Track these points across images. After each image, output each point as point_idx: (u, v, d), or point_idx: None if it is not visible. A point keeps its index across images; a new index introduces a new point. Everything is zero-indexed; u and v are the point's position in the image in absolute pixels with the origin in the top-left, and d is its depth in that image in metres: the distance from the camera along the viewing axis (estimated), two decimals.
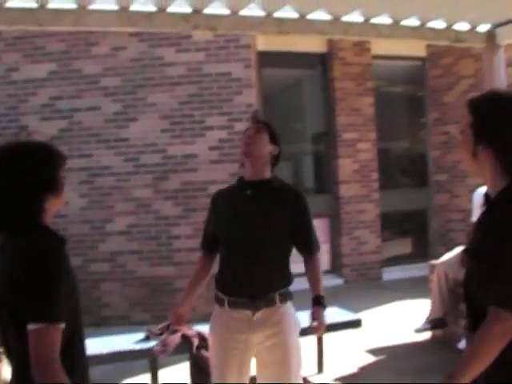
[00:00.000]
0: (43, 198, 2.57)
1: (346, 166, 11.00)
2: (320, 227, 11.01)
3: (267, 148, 3.84)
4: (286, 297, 3.81)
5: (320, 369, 6.45)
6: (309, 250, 3.93)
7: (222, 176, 8.70)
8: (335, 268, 11.10)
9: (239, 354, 3.74)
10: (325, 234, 11.09)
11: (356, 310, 7.03)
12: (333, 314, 6.67)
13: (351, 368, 6.57)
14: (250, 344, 3.73)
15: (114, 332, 7.15)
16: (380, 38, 6.26)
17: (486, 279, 2.44)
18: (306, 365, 6.44)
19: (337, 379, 6.27)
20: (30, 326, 2.34)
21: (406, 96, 12.31)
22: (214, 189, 8.62)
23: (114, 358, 5.75)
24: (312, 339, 6.52)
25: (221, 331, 3.83)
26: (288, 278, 3.85)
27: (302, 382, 3.91)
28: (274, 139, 3.87)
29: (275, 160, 3.94)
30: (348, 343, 7.17)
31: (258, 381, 3.83)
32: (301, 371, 3.86)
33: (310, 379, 6.27)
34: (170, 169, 8.87)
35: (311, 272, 3.90)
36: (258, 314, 3.71)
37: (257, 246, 3.73)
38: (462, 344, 6.45)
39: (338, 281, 10.89)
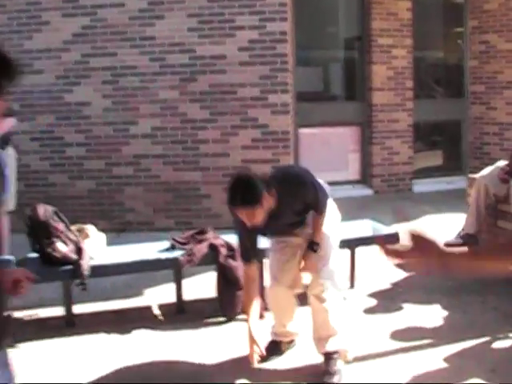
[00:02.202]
0: None
1: (379, 73, 10.57)
2: (350, 135, 10.76)
3: (265, 210, 4.07)
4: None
5: (352, 284, 6.24)
6: (317, 212, 4.47)
7: (252, 79, 8.37)
8: (365, 178, 10.83)
9: (286, 252, 4.65)
10: (355, 142, 10.86)
11: (386, 223, 6.72)
12: (367, 227, 6.43)
13: (383, 284, 6.35)
14: (296, 243, 4.62)
15: (138, 238, 7.02)
16: None
17: None
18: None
19: (369, 295, 6.06)
20: None
21: (445, 2, 11.70)
22: (243, 92, 8.50)
23: (139, 268, 5.57)
24: (345, 253, 6.30)
25: (276, 242, 4.73)
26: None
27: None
28: (258, 202, 3.97)
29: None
30: (379, 258, 6.91)
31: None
32: (331, 266, 4.50)
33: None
34: (197, 70, 8.50)
35: (316, 225, 4.50)
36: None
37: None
38: None
39: (368, 191, 10.65)
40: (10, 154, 6.35)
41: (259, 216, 4.01)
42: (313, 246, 4.46)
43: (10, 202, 6.25)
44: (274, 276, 4.69)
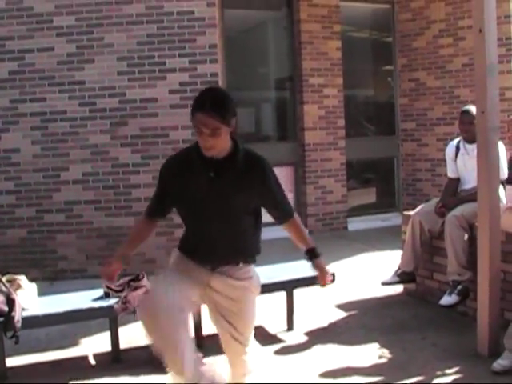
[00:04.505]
0: None
1: (311, 112, 10.68)
2: (284, 175, 10.75)
3: (226, 139, 3.49)
4: (250, 261, 3.80)
5: (290, 326, 6.17)
6: (285, 217, 3.81)
7: (184, 121, 8.29)
8: (299, 218, 10.78)
9: (194, 282, 3.63)
10: (289, 182, 10.85)
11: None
12: (302, 268, 6.38)
13: (322, 324, 6.32)
14: (208, 288, 3.69)
15: (72, 286, 6.86)
16: None
17: None
18: (276, 322, 6.24)
19: (307, 336, 6.01)
20: None
21: (374, 41, 11.92)
22: (174, 135, 8.43)
23: (73, 317, 5.42)
24: (280, 295, 6.25)
25: (180, 265, 3.71)
26: (256, 247, 3.81)
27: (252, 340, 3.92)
28: (227, 117, 3.40)
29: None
30: (317, 298, 6.91)
31: (215, 323, 3.85)
32: (252, 329, 3.88)
33: (280, 336, 6.02)
34: (128, 113, 8.40)
35: (296, 233, 3.87)
36: (218, 269, 3.68)
37: (222, 222, 3.58)
38: (445, 300, 6.20)
39: None
40: None
41: (220, 141, 3.40)
42: (315, 251, 3.84)
43: None
44: None
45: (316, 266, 3.85)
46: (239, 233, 3.63)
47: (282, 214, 3.78)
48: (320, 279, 3.92)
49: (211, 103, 3.35)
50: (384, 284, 6.88)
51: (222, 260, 3.65)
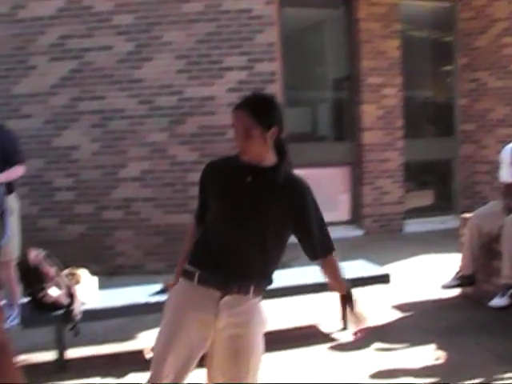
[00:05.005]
0: None
1: (369, 112, 10.57)
2: (340, 176, 10.71)
3: (262, 146, 3.25)
4: (261, 292, 3.34)
5: (345, 325, 6.12)
6: (321, 251, 3.40)
7: None
8: (355, 219, 10.75)
9: (196, 335, 3.25)
10: (345, 183, 10.80)
11: (378, 264, 6.65)
12: (359, 268, 6.35)
13: (377, 325, 6.23)
14: (210, 328, 3.24)
15: (128, 281, 6.92)
16: None
17: None
18: (331, 321, 6.21)
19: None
20: None
21: (434, 40, 11.75)
22: (232, 134, 8.38)
23: (131, 312, 5.51)
24: (335, 295, 6.20)
25: (181, 306, 3.32)
26: (270, 277, 3.38)
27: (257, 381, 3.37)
28: (264, 120, 3.23)
29: (278, 141, 3.33)
30: (373, 298, 6.84)
31: (212, 372, 3.34)
32: (258, 371, 3.34)
33: (335, 335, 5.99)
34: (186, 112, 8.47)
35: (332, 274, 3.48)
36: (227, 299, 3.23)
37: (249, 232, 3.24)
38: (495, 302, 6.11)
39: (358, 232, 10.56)
40: (15, 201, 6.30)
41: (254, 144, 3.22)
42: (349, 297, 3.48)
43: (15, 251, 6.17)
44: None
45: (353, 313, 3.47)
46: (263, 251, 3.28)
47: (318, 247, 3.38)
48: (356, 326, 3.50)
49: (251, 102, 3.29)
50: (445, 287, 6.80)
51: (241, 279, 3.25)
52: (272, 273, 3.38)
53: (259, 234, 3.25)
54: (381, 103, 10.58)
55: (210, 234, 3.36)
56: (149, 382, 3.28)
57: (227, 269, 3.24)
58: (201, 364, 3.33)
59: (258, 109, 3.24)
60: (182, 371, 3.24)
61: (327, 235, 3.41)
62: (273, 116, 3.28)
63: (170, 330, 3.29)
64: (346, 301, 3.47)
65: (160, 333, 3.35)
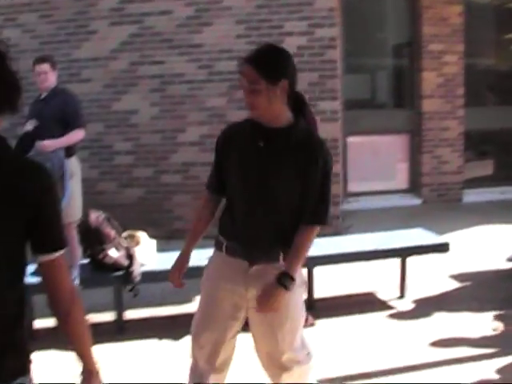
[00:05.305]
0: None
1: (429, 80, 10.38)
2: (399, 144, 10.60)
3: (271, 102, 3.07)
4: None
5: (402, 293, 6.11)
6: (311, 219, 3.19)
7: (301, 85, 8.18)
8: (414, 187, 10.63)
9: (229, 306, 3.23)
10: (404, 151, 10.67)
11: (436, 233, 6.58)
12: (418, 236, 6.32)
13: (434, 293, 6.21)
14: (243, 299, 3.22)
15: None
16: None
17: None
18: (388, 289, 6.20)
19: (418, 305, 5.94)
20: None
21: (498, 6, 11.46)
22: None
23: (187, 274, 5.51)
24: (393, 262, 6.20)
25: (213, 278, 3.32)
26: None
27: (298, 346, 3.29)
28: (271, 74, 3.05)
29: (294, 97, 3.18)
30: (430, 267, 6.81)
31: (254, 342, 3.34)
32: (296, 336, 3.26)
33: (392, 303, 5.97)
34: None
35: (297, 244, 3.16)
36: (256, 268, 3.17)
37: (267, 201, 3.13)
38: None
39: (416, 201, 10.45)
40: (78, 164, 6.39)
41: (261, 100, 3.05)
42: (283, 278, 3.09)
43: (77, 213, 6.26)
44: (200, 347, 3.34)
45: (266, 290, 3.09)
46: (284, 218, 3.17)
47: (307, 214, 3.17)
48: (258, 307, 3.12)
49: (256, 55, 3.09)
50: (509, 260, 6.73)
51: (264, 247, 3.17)
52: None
53: (275, 200, 3.14)
54: (441, 70, 10.38)
55: (230, 203, 3.31)
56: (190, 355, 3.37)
57: (249, 237, 3.18)
58: (245, 329, 3.36)
59: (262, 61, 3.07)
60: (218, 343, 3.27)
61: (324, 208, 3.18)
62: (281, 68, 3.10)
63: (205, 302, 3.34)
64: (278, 279, 3.09)
65: (198, 305, 3.39)
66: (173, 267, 3.50)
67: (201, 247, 3.53)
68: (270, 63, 3.07)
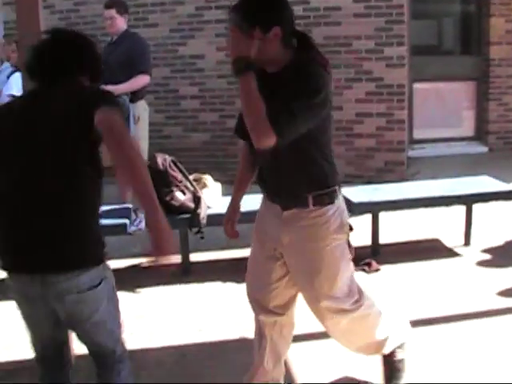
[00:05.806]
0: None
1: (498, 26, 10.14)
2: (465, 91, 10.43)
3: (255, 46, 2.78)
4: (324, 200, 3.03)
5: (467, 241, 6.09)
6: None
7: (367, 31, 8.21)
8: (480, 135, 10.48)
9: (269, 248, 3.22)
10: (470, 98, 10.50)
11: (502, 181, 6.50)
12: (483, 184, 6.27)
13: (500, 242, 6.17)
14: (278, 243, 3.16)
15: (252, 189, 7.02)
16: None
17: None
18: (453, 236, 6.18)
19: (484, 252, 5.91)
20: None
21: None
22: (358, 44, 8.34)
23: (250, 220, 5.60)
24: (458, 209, 6.18)
25: (258, 221, 3.34)
26: (325, 178, 3.04)
27: (342, 294, 3.15)
28: (252, 20, 2.80)
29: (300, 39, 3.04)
30: (496, 215, 6.76)
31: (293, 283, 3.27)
32: (337, 282, 3.11)
33: (457, 250, 5.96)
34: (312, 22, 8.36)
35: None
36: (287, 214, 3.08)
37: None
38: None
39: (482, 148, 10.30)
40: (145, 108, 6.45)
41: (251, 48, 2.76)
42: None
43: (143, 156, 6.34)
44: (254, 298, 3.42)
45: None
46: (300, 159, 2.97)
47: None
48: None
49: (241, 3, 2.88)
50: None
51: (289, 191, 3.07)
52: (325, 175, 3.05)
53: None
54: (510, 17, 10.12)
55: (258, 157, 3.24)
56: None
57: (273, 182, 3.14)
58: None
59: (246, 9, 2.84)
60: (265, 293, 3.30)
61: (284, 119, 2.69)
62: (268, 14, 2.85)
63: (252, 251, 3.41)
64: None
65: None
66: (225, 218, 3.57)
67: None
68: (250, 7, 2.86)
